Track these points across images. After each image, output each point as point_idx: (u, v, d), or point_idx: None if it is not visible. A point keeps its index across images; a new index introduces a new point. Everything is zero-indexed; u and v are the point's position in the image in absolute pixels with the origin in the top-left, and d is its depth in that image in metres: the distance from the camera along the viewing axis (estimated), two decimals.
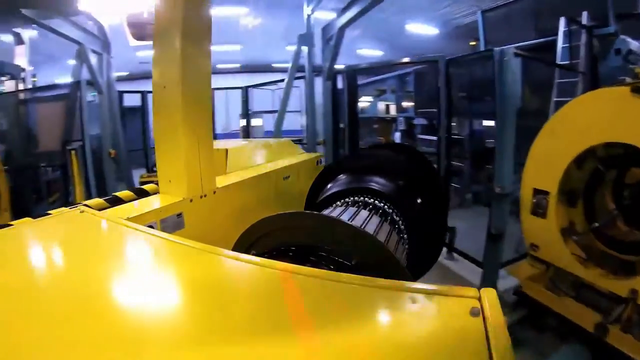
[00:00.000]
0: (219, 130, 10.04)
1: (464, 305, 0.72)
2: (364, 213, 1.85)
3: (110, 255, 1.17)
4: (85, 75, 6.30)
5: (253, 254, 1.42)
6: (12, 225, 1.42)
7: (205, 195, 1.98)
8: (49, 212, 1.56)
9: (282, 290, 0.91)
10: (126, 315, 0.81)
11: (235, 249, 1.53)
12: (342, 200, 2.12)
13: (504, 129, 3.62)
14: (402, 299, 0.79)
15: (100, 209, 1.68)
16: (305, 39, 6.40)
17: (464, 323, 0.67)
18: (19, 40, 6.66)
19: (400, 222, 2.02)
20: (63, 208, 1.61)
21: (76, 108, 5.76)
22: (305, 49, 6.39)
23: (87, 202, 1.73)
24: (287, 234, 1.46)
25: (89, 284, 0.96)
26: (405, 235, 2.02)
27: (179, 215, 1.82)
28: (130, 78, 16.95)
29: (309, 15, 6.50)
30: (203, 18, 1.91)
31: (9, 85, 6.71)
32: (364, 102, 11.70)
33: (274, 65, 15.71)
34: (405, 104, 9.91)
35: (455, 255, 4.64)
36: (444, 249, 4.48)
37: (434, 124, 6.61)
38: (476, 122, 7.09)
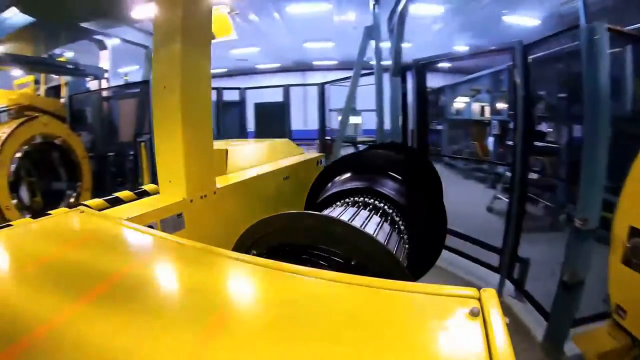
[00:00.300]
0: (313, 126, 9.50)
1: (464, 305, 0.72)
2: (364, 213, 1.86)
3: (111, 256, 1.17)
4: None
5: (253, 254, 1.42)
6: (11, 225, 1.42)
7: (205, 196, 1.98)
8: (49, 212, 1.56)
9: (282, 291, 0.91)
10: (126, 316, 0.81)
11: (236, 249, 1.54)
12: (342, 201, 2.12)
13: (594, 138, 2.57)
14: (402, 299, 0.79)
15: (100, 209, 1.69)
16: (372, 31, 5.74)
17: (464, 323, 0.68)
18: (102, 46, 7.58)
19: (401, 222, 2.02)
20: (63, 208, 1.61)
21: (146, 104, 6.47)
22: (372, 42, 5.76)
23: (87, 202, 1.73)
24: (287, 234, 1.46)
25: (88, 284, 0.96)
26: (406, 236, 2.02)
27: (179, 215, 1.82)
28: (229, 74, 18.68)
29: (374, 5, 5.79)
30: (203, 18, 1.91)
31: (93, 85, 7.73)
32: (459, 102, 11.13)
33: (371, 62, 15.91)
34: (500, 105, 8.80)
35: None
36: (512, 286, 3.74)
37: (532, 128, 5.34)
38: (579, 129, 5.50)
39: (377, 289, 0.82)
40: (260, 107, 9.23)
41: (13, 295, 0.89)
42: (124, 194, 1.98)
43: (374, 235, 1.56)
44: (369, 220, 1.76)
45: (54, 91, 7.51)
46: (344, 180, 2.41)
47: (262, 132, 8.84)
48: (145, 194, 2.07)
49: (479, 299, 0.73)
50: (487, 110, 9.54)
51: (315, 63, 18.62)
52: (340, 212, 1.85)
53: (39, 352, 0.68)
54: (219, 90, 9.01)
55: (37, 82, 7.57)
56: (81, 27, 6.04)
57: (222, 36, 6.36)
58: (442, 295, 0.77)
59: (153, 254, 1.19)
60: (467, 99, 10.77)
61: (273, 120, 8.67)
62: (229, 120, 9.13)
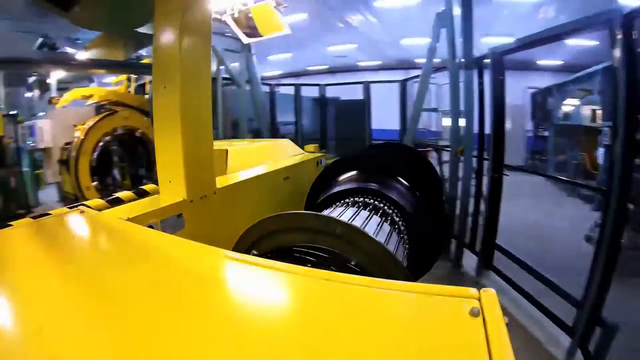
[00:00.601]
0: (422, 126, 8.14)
1: (464, 305, 0.72)
2: (364, 213, 1.86)
3: (111, 256, 1.17)
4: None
5: (253, 255, 1.42)
6: (12, 225, 1.42)
7: (205, 196, 1.98)
8: (49, 212, 1.56)
9: (282, 291, 0.91)
10: (127, 316, 0.81)
11: (236, 249, 1.54)
12: (343, 201, 2.12)
13: None
14: (402, 299, 0.79)
15: (100, 209, 1.69)
16: (444, 18, 4.69)
17: (464, 323, 0.68)
18: None
19: (401, 222, 2.02)
20: (63, 208, 1.61)
21: (217, 100, 6.96)
22: (444, 31, 4.74)
23: (88, 202, 1.73)
24: (287, 235, 1.46)
25: (89, 285, 0.96)
26: (406, 236, 2.02)
27: (179, 215, 1.82)
28: (330, 71, 18.53)
29: None
30: (203, 18, 1.91)
31: None
32: (568, 105, 9.57)
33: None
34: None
35: None
36: None
37: None
38: None
39: (377, 289, 0.82)
40: (340, 105, 8.72)
41: (13, 295, 0.89)
42: (124, 194, 1.99)
43: (374, 235, 1.56)
44: (369, 221, 1.77)
45: (143, 88, 8.32)
46: (344, 180, 2.41)
47: (341, 131, 8.46)
48: (145, 194, 2.07)
49: (479, 299, 0.72)
50: (600, 114, 7.86)
51: (418, 61, 16.55)
52: (340, 213, 1.85)
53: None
54: (297, 86, 8.56)
55: (129, 79, 8.39)
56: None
57: (273, 32, 6.08)
58: (442, 296, 0.77)
59: (153, 254, 1.19)
60: (577, 101, 9.06)
61: (353, 119, 8.15)
62: (310, 118, 8.82)
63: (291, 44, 15.51)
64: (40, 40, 8.11)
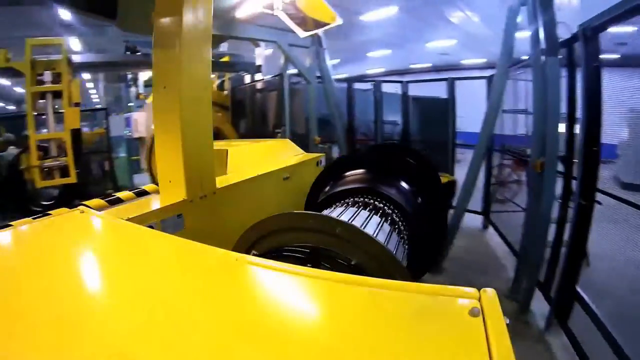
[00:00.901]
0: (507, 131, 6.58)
1: (464, 305, 0.72)
2: (364, 213, 1.86)
3: (111, 256, 1.17)
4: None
5: (254, 255, 1.42)
6: (11, 225, 1.42)
7: (205, 196, 1.98)
8: (49, 212, 1.56)
9: (282, 291, 0.91)
10: (127, 316, 0.81)
11: (236, 249, 1.54)
12: (343, 201, 2.12)
13: None
14: (402, 299, 0.79)
15: (100, 209, 1.68)
16: None
17: (464, 323, 0.68)
18: (256, 44, 8.47)
19: (401, 223, 2.02)
20: (63, 208, 1.61)
21: (281, 97, 7.11)
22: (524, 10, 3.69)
23: (87, 202, 1.73)
24: (287, 235, 1.46)
25: (89, 285, 0.96)
26: (406, 236, 2.02)
27: (179, 216, 1.82)
28: (435, 69, 17.88)
29: None
30: (202, 18, 1.91)
31: (247, 79, 8.83)
32: None
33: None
34: None
35: None
36: None
37: None
38: None
39: (377, 289, 0.82)
40: (423, 104, 7.93)
41: (12, 295, 0.89)
42: (124, 194, 1.99)
43: (374, 235, 1.56)
44: (368, 221, 1.77)
45: (223, 84, 8.93)
46: (344, 180, 2.41)
47: (424, 132, 7.73)
48: (145, 194, 2.07)
49: (479, 299, 0.72)
50: None
51: (525, 58, 14.98)
52: (340, 212, 1.85)
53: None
54: (377, 83, 7.97)
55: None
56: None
57: (327, 22, 5.63)
58: (442, 296, 0.77)
59: (153, 254, 1.19)
60: None
61: (436, 120, 7.33)
62: (390, 117, 8.24)
63: (388, 40, 15.03)
64: (124, 44, 9.05)
